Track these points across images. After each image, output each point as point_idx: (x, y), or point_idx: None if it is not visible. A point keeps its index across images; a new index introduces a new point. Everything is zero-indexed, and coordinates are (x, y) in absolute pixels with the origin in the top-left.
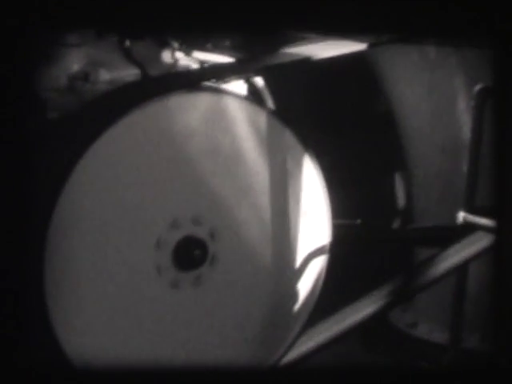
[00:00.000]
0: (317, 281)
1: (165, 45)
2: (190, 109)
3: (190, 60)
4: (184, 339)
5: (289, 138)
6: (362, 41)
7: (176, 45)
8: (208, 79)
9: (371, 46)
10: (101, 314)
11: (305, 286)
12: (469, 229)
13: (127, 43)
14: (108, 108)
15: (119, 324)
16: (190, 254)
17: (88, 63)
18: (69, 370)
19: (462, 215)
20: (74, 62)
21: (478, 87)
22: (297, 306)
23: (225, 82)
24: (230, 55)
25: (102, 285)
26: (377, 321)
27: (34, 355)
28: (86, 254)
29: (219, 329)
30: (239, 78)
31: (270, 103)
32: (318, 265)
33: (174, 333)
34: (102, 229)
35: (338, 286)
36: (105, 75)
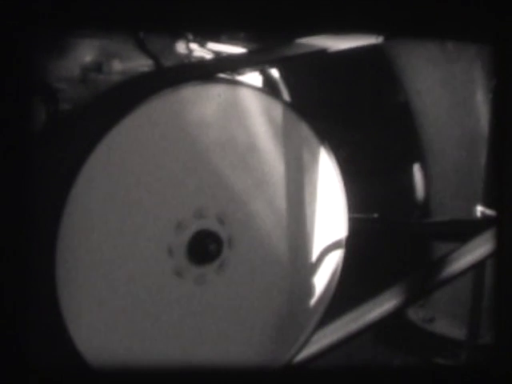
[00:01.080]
0: (333, 276)
1: (179, 35)
2: (205, 100)
3: (204, 51)
4: (206, 333)
5: (305, 130)
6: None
7: (190, 36)
8: (223, 70)
9: (387, 38)
10: (117, 312)
11: (320, 280)
12: (487, 223)
13: (141, 34)
14: (121, 99)
15: (137, 325)
16: (206, 249)
17: (101, 54)
18: (82, 366)
19: (479, 209)
20: (87, 52)
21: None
22: (312, 302)
23: (240, 73)
24: (245, 46)
25: (116, 284)
26: (393, 316)
27: (48, 354)
28: (99, 249)
29: (233, 323)
30: (254, 69)
31: (286, 95)
32: (334, 259)
33: (190, 324)
34: (115, 224)
35: (355, 281)
36: (118, 66)
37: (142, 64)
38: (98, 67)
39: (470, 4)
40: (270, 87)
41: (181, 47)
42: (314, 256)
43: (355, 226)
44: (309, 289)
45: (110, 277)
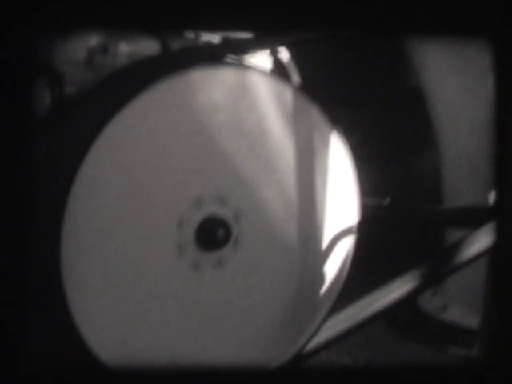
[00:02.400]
0: (344, 263)
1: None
2: (213, 84)
3: (212, 33)
4: (205, 323)
5: (315, 114)
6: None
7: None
8: (231, 53)
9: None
10: (122, 299)
11: (331, 268)
12: None
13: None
14: (127, 82)
15: (140, 309)
16: (213, 234)
17: (107, 36)
18: (94, 363)
19: (493, 195)
20: (93, 34)
21: None
22: (323, 289)
23: (249, 56)
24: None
25: (121, 264)
26: (405, 304)
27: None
28: (105, 233)
29: (242, 313)
30: (264, 52)
31: (296, 78)
32: (346, 246)
33: (194, 317)
34: (122, 207)
35: (366, 268)
36: (125, 48)
37: (149, 47)
38: (104, 50)
39: None
40: (280, 71)
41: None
42: (325, 242)
43: (367, 211)
44: (319, 276)
45: (114, 238)
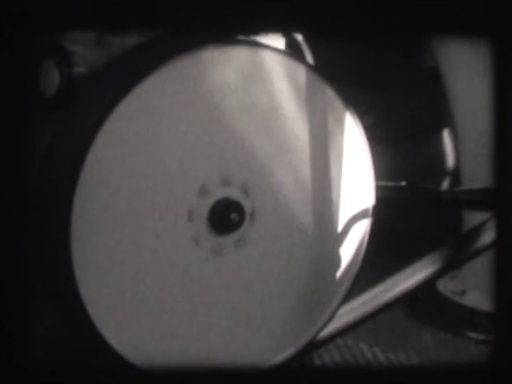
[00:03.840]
0: (360, 246)
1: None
2: (225, 63)
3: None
4: (226, 310)
5: (329, 94)
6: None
7: None
8: (244, 32)
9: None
10: (140, 294)
11: (347, 251)
12: None
13: None
14: (138, 62)
15: (162, 305)
16: (226, 218)
17: None
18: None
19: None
20: None
21: None
22: (339, 273)
23: (262, 35)
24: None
25: (138, 262)
26: (423, 289)
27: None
28: (117, 220)
29: (260, 298)
30: (277, 31)
31: (310, 57)
32: (361, 229)
33: (217, 303)
34: (130, 196)
35: (382, 252)
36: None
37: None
38: (113, 29)
39: None
40: (293, 50)
41: None
42: (341, 226)
43: (383, 194)
44: (335, 260)
45: (126, 240)
